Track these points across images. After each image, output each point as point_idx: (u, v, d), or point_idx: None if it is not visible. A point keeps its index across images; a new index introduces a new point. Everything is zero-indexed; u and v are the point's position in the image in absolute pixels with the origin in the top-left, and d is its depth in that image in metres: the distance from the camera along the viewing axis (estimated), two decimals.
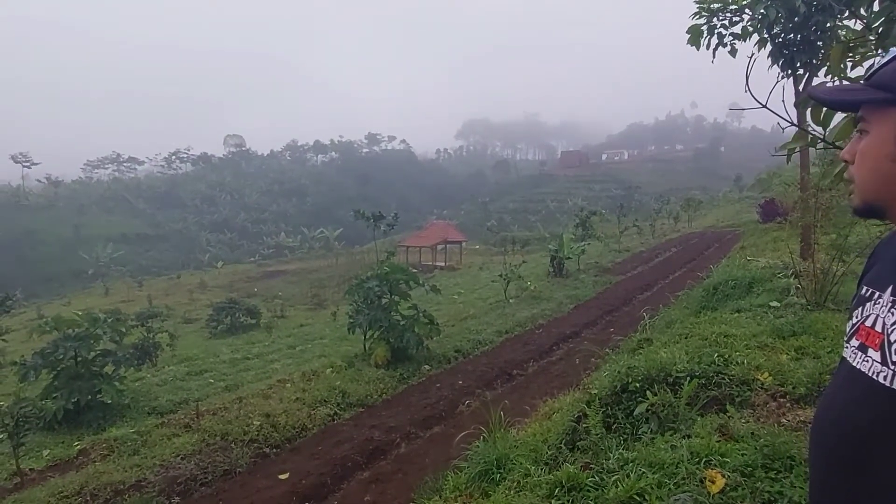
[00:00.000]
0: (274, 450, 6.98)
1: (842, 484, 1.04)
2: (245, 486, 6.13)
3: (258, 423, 7.24)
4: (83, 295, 40.85)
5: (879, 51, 2.85)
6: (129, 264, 54.60)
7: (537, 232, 47.93)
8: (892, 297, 1.03)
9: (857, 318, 1.12)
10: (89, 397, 8.32)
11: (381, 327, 10.02)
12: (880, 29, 2.77)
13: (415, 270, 12.54)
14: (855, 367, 1.06)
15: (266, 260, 53.20)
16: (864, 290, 1.14)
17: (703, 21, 8.15)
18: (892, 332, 0.99)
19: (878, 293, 1.08)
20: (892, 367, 0.96)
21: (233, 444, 6.82)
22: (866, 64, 3.06)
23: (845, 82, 3.01)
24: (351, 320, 10.41)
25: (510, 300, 15.31)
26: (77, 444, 7.14)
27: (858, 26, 3.11)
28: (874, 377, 0.99)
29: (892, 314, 1.00)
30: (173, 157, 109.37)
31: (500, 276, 16.14)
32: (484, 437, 4.99)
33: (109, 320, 9.50)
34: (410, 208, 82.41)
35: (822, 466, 1.11)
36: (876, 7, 2.84)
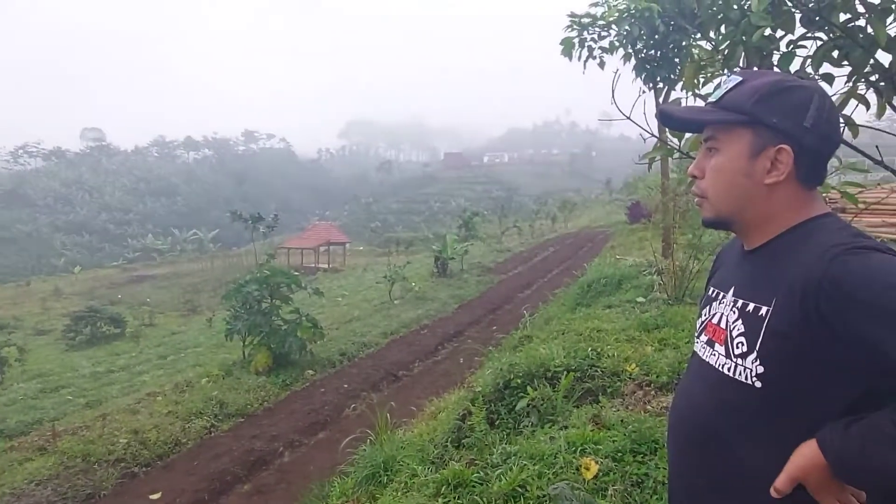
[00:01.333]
0: (144, 468, 6.46)
1: (696, 462, 1.15)
2: None
3: (125, 440, 6.67)
4: None
5: (726, 70, 3.17)
6: None
7: (421, 233, 48.35)
8: (733, 298, 1.14)
9: (705, 315, 1.24)
10: None
11: (261, 333, 9.61)
12: (726, 51, 3.07)
13: (297, 273, 12.17)
14: (704, 360, 1.17)
15: (132, 264, 49.07)
16: (710, 291, 1.26)
17: (574, 34, 8.62)
18: (733, 328, 1.10)
19: (722, 293, 1.20)
20: (735, 360, 1.07)
21: (96, 466, 6.22)
22: (716, 81, 3.39)
23: (698, 98, 3.33)
24: (229, 326, 9.89)
25: (395, 301, 15.32)
26: None
27: (709, 47, 3.43)
28: (720, 369, 1.11)
29: (734, 313, 1.12)
30: (20, 151, 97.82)
31: (385, 277, 16.11)
32: (370, 441, 4.94)
33: None
34: (291, 209, 79.87)
35: (679, 449, 1.22)
36: (723, 31, 3.14)
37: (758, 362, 1.03)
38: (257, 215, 11.21)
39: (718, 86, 1.16)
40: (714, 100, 1.14)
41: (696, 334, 1.26)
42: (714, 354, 1.14)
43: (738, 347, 1.07)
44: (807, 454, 0.97)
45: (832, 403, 0.98)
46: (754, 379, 1.03)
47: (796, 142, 1.06)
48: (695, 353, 1.25)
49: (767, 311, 1.03)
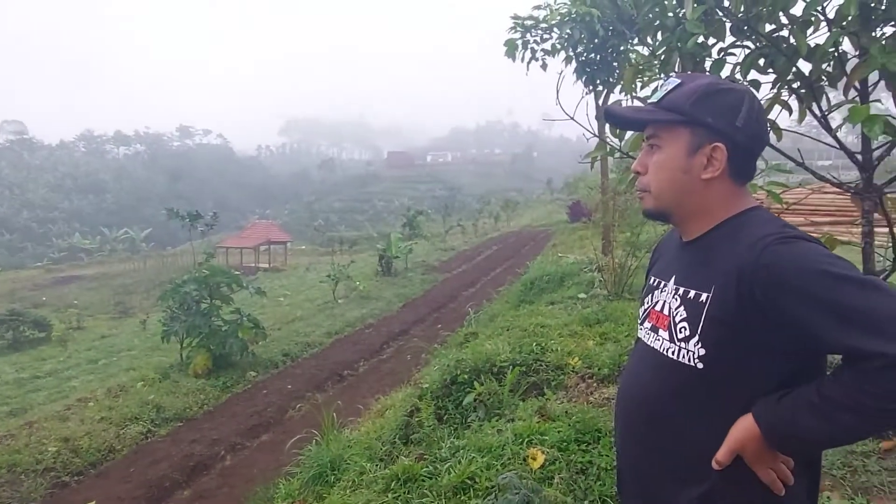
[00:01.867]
0: (76, 477, 6.15)
1: (642, 440, 1.23)
2: None
3: (54, 448, 6.33)
4: None
5: (662, 74, 3.32)
6: None
7: (365, 232, 48.00)
8: (674, 286, 1.22)
9: (647, 304, 1.31)
10: None
11: (200, 334, 9.31)
12: (663, 56, 3.22)
13: (237, 272, 11.85)
14: (649, 346, 1.25)
15: (57, 264, 46.37)
16: (652, 280, 1.34)
17: (518, 35, 8.79)
18: (676, 314, 1.18)
19: (663, 282, 1.27)
20: (679, 344, 1.15)
21: (23, 476, 5.89)
22: (652, 85, 3.54)
23: (636, 101, 3.47)
24: (165, 328, 9.53)
25: (339, 300, 15.16)
26: None
27: (646, 52, 3.58)
28: (664, 353, 1.18)
29: (676, 300, 1.19)
30: None
31: (329, 276, 15.89)
32: (316, 441, 4.90)
33: None
34: (229, 207, 77.50)
35: (627, 429, 1.29)
36: (659, 37, 3.29)
37: (699, 345, 1.11)
38: (195, 213, 10.84)
39: (656, 89, 1.24)
40: (655, 100, 1.21)
41: (640, 322, 1.34)
42: (658, 339, 1.22)
43: (681, 332, 1.15)
44: (743, 427, 1.06)
45: (765, 381, 1.07)
46: (696, 361, 1.11)
47: (729, 140, 1.15)
48: (639, 339, 1.33)
49: (707, 297, 1.11)
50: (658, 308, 1.26)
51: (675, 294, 1.21)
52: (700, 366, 1.10)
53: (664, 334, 1.20)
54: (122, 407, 7.65)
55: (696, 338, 1.11)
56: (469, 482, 2.83)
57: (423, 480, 3.04)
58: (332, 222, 64.07)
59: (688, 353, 1.13)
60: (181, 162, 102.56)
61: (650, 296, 1.32)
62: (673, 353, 1.16)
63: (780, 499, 1.08)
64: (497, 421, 3.61)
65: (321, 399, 8.02)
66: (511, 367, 4.36)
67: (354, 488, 3.55)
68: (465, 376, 4.43)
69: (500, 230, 35.62)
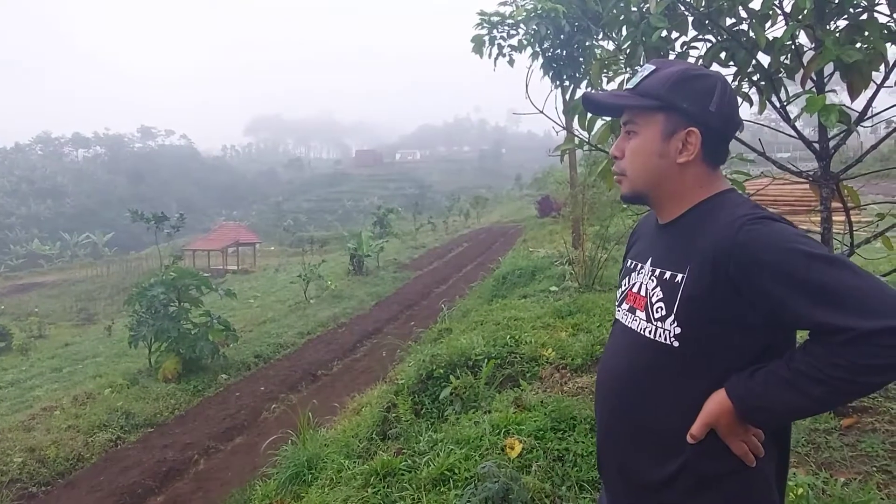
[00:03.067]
0: (43, 488, 5.99)
1: (622, 417, 1.27)
2: None
3: (20, 459, 6.15)
4: None
5: (628, 68, 3.39)
6: None
7: (335, 231, 47.60)
8: (651, 267, 1.26)
9: (625, 286, 1.35)
10: None
11: (169, 338, 9.13)
12: (628, 50, 3.28)
13: (205, 275, 11.65)
14: (627, 326, 1.29)
15: (15, 272, 44.84)
16: (629, 263, 1.38)
17: (484, 32, 8.85)
18: (653, 295, 1.22)
19: (640, 264, 1.31)
20: (655, 323, 1.19)
21: None
22: (618, 79, 3.61)
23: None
24: (132, 333, 9.32)
25: (311, 301, 15.02)
26: None
27: (611, 47, 3.64)
28: (641, 332, 1.22)
29: (653, 281, 1.24)
30: None
31: (300, 276, 15.73)
32: (292, 441, 4.87)
33: None
34: (195, 209, 75.92)
35: (606, 407, 1.32)
36: (624, 32, 3.35)
37: (675, 324, 1.15)
38: (161, 214, 10.61)
39: (629, 78, 1.28)
40: (631, 86, 1.24)
41: (618, 304, 1.37)
42: (636, 320, 1.25)
43: (657, 312, 1.19)
44: (717, 401, 1.11)
45: (737, 358, 1.12)
46: (672, 339, 1.15)
47: (703, 125, 1.19)
48: (616, 320, 1.37)
49: (682, 277, 1.15)
50: (636, 290, 1.29)
51: (651, 275, 1.25)
52: (676, 344, 1.14)
53: (641, 315, 1.24)
54: (90, 415, 7.47)
55: (672, 317, 1.15)
56: (448, 474, 2.86)
57: (403, 474, 3.05)
58: (302, 222, 63.37)
59: (664, 332, 1.16)
60: (143, 164, 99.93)
61: (627, 278, 1.35)
62: (650, 332, 1.20)
63: (751, 470, 1.13)
64: (474, 413, 3.64)
65: (295, 400, 7.96)
66: (486, 360, 4.40)
67: (333, 486, 3.54)
68: (441, 371, 4.45)
69: (471, 227, 35.76)
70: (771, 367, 1.07)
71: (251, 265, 32.71)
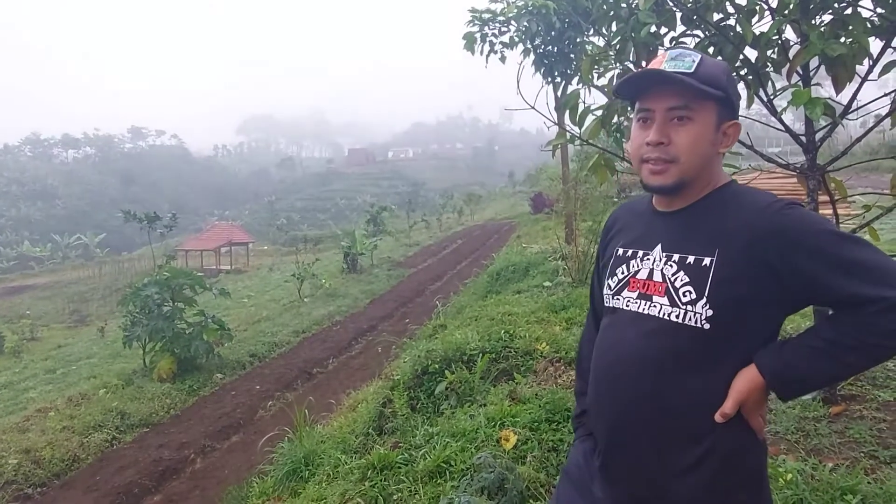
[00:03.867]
0: (39, 489, 6.00)
1: (639, 407, 1.25)
2: None
3: (15, 461, 6.15)
4: None
5: (618, 64, 3.43)
6: None
7: (329, 230, 47.51)
8: (664, 253, 1.27)
9: (622, 274, 1.34)
10: None
11: (163, 338, 9.13)
12: (618, 46, 3.32)
13: (199, 274, 11.63)
14: (640, 313, 1.27)
15: (6, 274, 44.47)
16: (621, 252, 1.37)
17: (476, 29, 8.87)
18: (674, 280, 1.23)
19: (643, 251, 1.31)
20: (684, 307, 1.20)
21: None
22: (608, 75, 3.64)
23: (594, 90, 3.56)
24: (127, 333, 9.31)
25: (305, 299, 15.03)
26: None
27: (602, 43, 3.67)
28: (664, 317, 1.23)
29: (671, 266, 1.24)
30: None
31: (294, 275, 15.74)
32: (289, 438, 4.89)
33: None
34: (187, 209, 75.52)
35: (616, 401, 1.29)
36: (614, 27, 3.39)
37: (707, 306, 1.17)
38: (153, 214, 10.59)
39: (675, 58, 1.22)
40: (687, 70, 1.20)
41: (613, 292, 1.36)
42: (655, 306, 1.25)
43: (685, 296, 1.20)
44: (748, 378, 1.17)
45: (761, 336, 1.19)
46: (704, 322, 1.17)
47: (736, 118, 1.27)
48: (618, 309, 1.34)
49: (711, 261, 1.19)
50: (643, 276, 1.29)
51: (667, 261, 1.25)
52: (707, 326, 1.17)
53: (662, 300, 1.23)
54: (85, 415, 7.47)
55: (704, 300, 1.18)
56: (444, 466, 2.89)
57: (399, 467, 3.09)
58: (295, 221, 63.20)
59: (695, 315, 1.18)
60: (134, 164, 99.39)
61: (625, 266, 1.34)
62: (677, 316, 1.20)
63: (761, 443, 1.22)
64: (469, 407, 3.68)
65: (291, 398, 7.99)
66: (481, 354, 4.44)
67: (330, 481, 3.57)
68: (436, 366, 4.48)
69: (465, 224, 35.79)
70: (797, 340, 1.16)
71: (244, 265, 32.61)
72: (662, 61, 1.23)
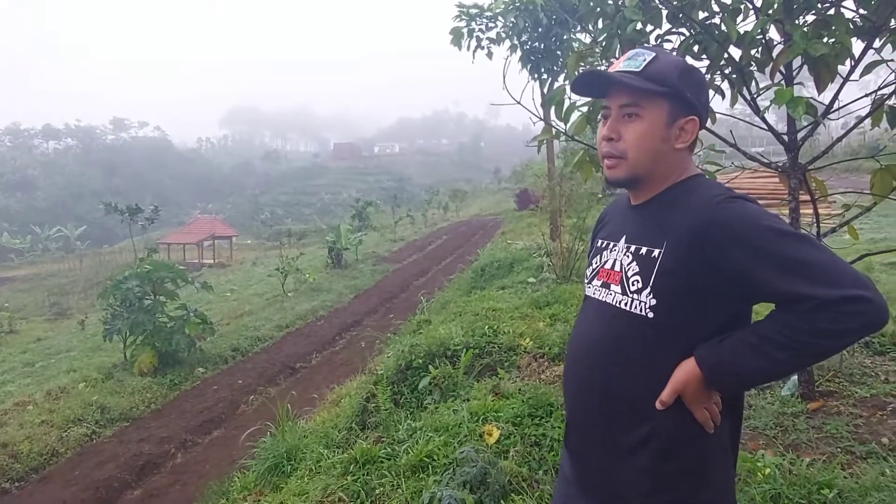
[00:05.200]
0: (16, 483, 5.90)
1: (593, 387, 1.31)
2: None
3: None
4: None
5: (603, 60, 3.44)
6: None
7: (313, 224, 47.27)
8: (625, 244, 1.32)
9: (596, 264, 1.41)
10: None
11: (144, 331, 9.01)
12: (604, 43, 3.33)
13: (181, 268, 11.49)
14: (601, 301, 1.34)
15: None
16: (599, 243, 1.44)
17: (463, 24, 8.86)
18: (628, 269, 1.28)
19: (613, 243, 1.37)
20: (631, 296, 1.25)
21: None
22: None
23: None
24: (107, 327, 9.18)
25: (289, 294, 14.92)
26: None
27: (588, 39, 3.68)
28: (617, 305, 1.28)
29: (628, 256, 1.29)
30: None
31: (277, 269, 15.62)
32: (271, 433, 4.86)
33: None
34: (169, 202, 74.69)
35: (577, 380, 1.37)
36: (600, 24, 3.39)
37: (651, 296, 1.21)
38: (135, 207, 10.44)
39: (630, 57, 1.27)
40: (636, 69, 1.25)
41: (588, 281, 1.43)
42: (611, 294, 1.31)
43: (633, 285, 1.25)
44: (686, 369, 1.18)
45: (706, 329, 1.19)
46: (647, 310, 1.21)
47: (698, 114, 1.27)
48: (588, 297, 1.42)
49: (659, 252, 1.22)
50: (608, 266, 1.35)
51: (626, 251, 1.31)
52: (650, 315, 1.21)
53: (616, 288, 1.29)
54: (64, 409, 7.36)
55: (648, 289, 1.21)
56: (427, 460, 2.89)
57: (382, 462, 3.08)
58: (279, 216, 62.72)
59: (640, 303, 1.22)
60: (116, 156, 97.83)
61: (598, 256, 1.41)
62: (625, 304, 1.26)
63: (710, 436, 1.21)
64: (452, 402, 3.69)
65: (274, 392, 7.94)
66: (465, 349, 4.44)
67: (312, 475, 3.56)
68: (420, 361, 4.48)
69: (450, 220, 35.75)
70: (737, 335, 1.15)
71: (227, 259, 32.37)
72: (621, 61, 1.29)
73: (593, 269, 1.41)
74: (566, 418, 1.44)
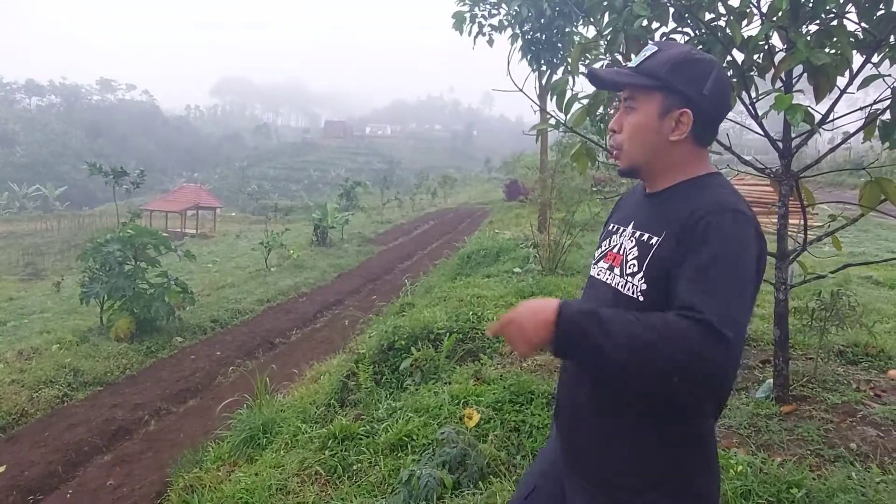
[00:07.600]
0: None
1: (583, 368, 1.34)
2: None
3: None
4: None
5: (607, 54, 3.44)
6: None
7: (300, 201, 46.90)
8: (632, 230, 1.35)
9: (605, 246, 1.44)
10: None
11: (123, 297, 8.90)
12: (609, 37, 3.33)
13: (164, 234, 11.35)
14: (604, 282, 1.37)
15: None
16: (611, 227, 1.47)
17: (466, 8, 8.79)
18: (629, 253, 1.31)
19: (622, 228, 1.40)
20: (626, 278, 1.29)
21: None
22: (597, 65, 3.66)
23: (581, 77, 3.57)
24: (85, 289, 9.05)
25: (271, 269, 14.84)
26: None
27: (591, 32, 3.68)
28: (615, 286, 1.32)
29: (631, 241, 1.33)
30: None
31: (261, 243, 15.51)
32: (248, 405, 4.85)
33: None
34: (154, 168, 73.33)
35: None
36: (606, 18, 3.39)
37: (643, 280, 1.24)
38: (120, 169, 10.27)
39: (643, 52, 1.33)
40: (634, 65, 1.32)
41: (595, 262, 1.46)
42: (612, 276, 1.35)
43: (629, 268, 1.29)
44: (544, 303, 1.13)
45: None
46: (639, 294, 1.25)
47: (696, 106, 1.27)
48: (591, 277, 1.46)
49: (657, 240, 1.25)
50: (615, 250, 1.38)
51: (631, 237, 1.34)
52: (641, 298, 1.24)
53: (616, 271, 1.33)
54: (36, 370, 7.27)
55: (641, 273, 1.25)
56: (406, 440, 2.91)
57: (361, 439, 3.10)
58: (266, 190, 62.10)
59: (633, 286, 1.26)
60: (102, 117, 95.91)
61: (608, 240, 1.44)
62: (621, 286, 1.29)
63: (699, 422, 1.24)
64: (434, 384, 3.71)
65: (252, 366, 7.89)
66: (448, 334, 4.47)
67: (288, 449, 3.57)
68: (403, 342, 4.50)
69: (438, 206, 35.69)
70: (627, 313, 1.12)
71: (210, 230, 31.99)
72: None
73: (602, 251, 1.44)
74: (556, 395, 1.47)
